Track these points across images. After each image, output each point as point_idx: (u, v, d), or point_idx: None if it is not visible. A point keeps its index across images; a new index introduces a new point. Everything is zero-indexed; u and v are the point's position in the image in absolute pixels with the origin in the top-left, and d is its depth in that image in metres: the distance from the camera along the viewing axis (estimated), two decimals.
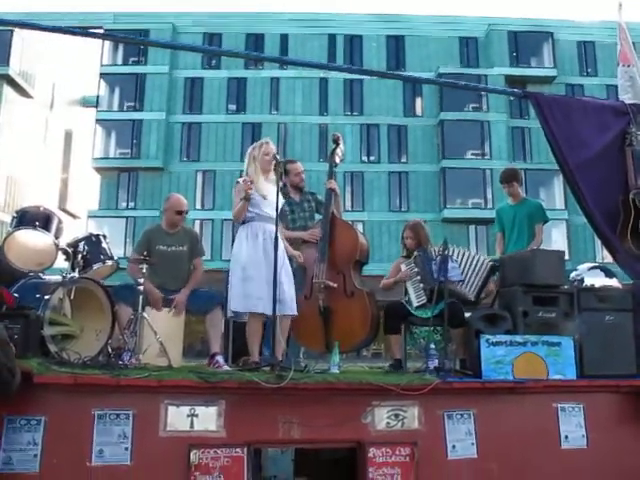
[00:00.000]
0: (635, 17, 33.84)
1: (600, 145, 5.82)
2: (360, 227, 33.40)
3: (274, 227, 4.93)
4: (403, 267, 5.86)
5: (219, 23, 39.78)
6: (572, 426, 4.87)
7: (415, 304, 5.65)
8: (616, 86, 6.42)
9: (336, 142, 6.24)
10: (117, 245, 31.33)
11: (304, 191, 6.48)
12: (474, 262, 5.75)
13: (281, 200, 5.12)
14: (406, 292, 5.86)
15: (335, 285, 5.71)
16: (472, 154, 39.14)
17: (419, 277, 5.69)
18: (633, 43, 6.56)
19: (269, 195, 5.13)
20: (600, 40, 37.64)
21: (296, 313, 5.12)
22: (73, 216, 41.10)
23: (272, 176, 5.23)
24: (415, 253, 5.86)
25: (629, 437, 4.92)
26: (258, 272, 4.98)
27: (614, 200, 5.75)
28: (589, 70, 39.84)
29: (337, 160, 6.22)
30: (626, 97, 6.14)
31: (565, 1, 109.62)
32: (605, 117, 5.98)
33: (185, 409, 4.30)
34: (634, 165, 5.82)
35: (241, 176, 5.34)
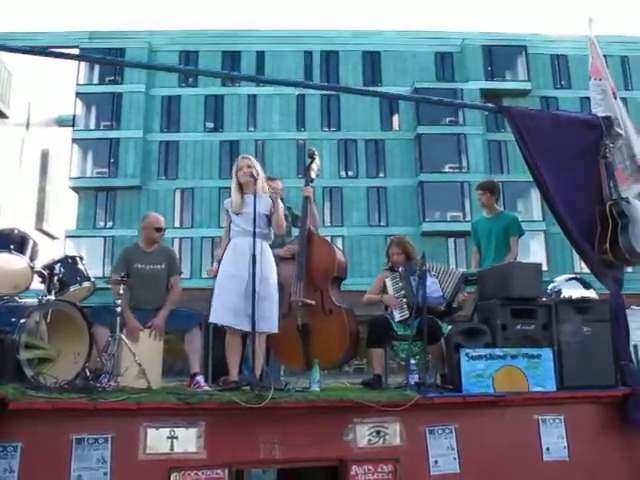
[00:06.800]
0: (605, 30, 34.47)
1: (573, 157, 5.87)
2: (339, 242, 33.47)
3: (248, 238, 4.98)
4: (388, 282, 5.85)
5: (195, 41, 39.80)
6: (553, 438, 4.88)
7: (397, 318, 5.64)
8: (590, 98, 6.49)
9: (311, 157, 6.25)
10: (96, 265, 31.09)
11: None
12: (447, 274, 5.80)
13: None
14: (388, 306, 5.87)
15: (313, 302, 5.69)
16: (449, 167, 39.38)
17: (403, 292, 5.69)
18: (604, 56, 6.65)
19: (245, 208, 5.19)
20: (573, 53, 38.16)
21: (268, 330, 5.07)
22: (51, 236, 40.66)
23: (251, 189, 5.23)
24: (400, 268, 5.87)
25: (610, 448, 4.94)
26: (229, 286, 5.01)
27: (589, 211, 5.79)
28: (563, 83, 40.34)
29: (313, 175, 6.22)
30: (599, 110, 6.21)
31: (537, 15, 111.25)
32: (578, 130, 6.04)
33: (165, 431, 4.26)
34: (608, 176, 5.88)
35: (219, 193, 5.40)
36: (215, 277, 5.27)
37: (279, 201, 5.29)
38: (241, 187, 5.32)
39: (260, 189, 5.22)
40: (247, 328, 4.88)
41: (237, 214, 5.24)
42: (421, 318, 5.12)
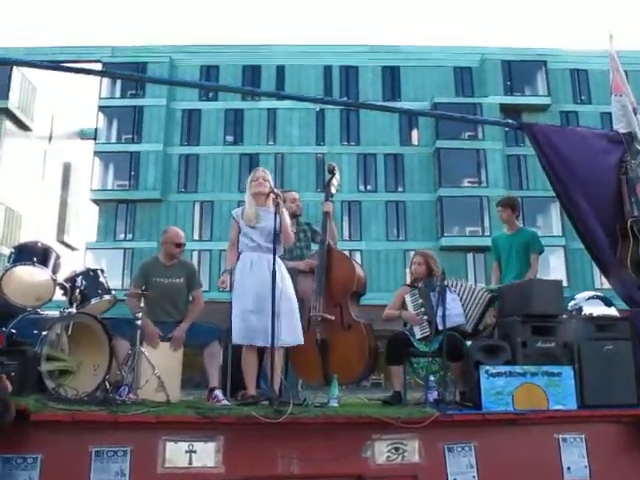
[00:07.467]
0: (626, 45, 34.28)
1: (595, 173, 5.86)
2: (358, 256, 33.37)
3: (264, 254, 4.99)
4: (407, 298, 5.82)
5: (216, 56, 40.12)
6: (574, 457, 4.81)
7: (418, 336, 5.61)
8: (610, 113, 6.48)
9: (332, 172, 6.26)
10: (115, 277, 31.27)
11: (300, 221, 6.47)
12: (473, 294, 5.74)
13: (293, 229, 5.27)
14: (407, 322, 5.85)
15: (332, 318, 5.69)
16: (468, 182, 39.25)
17: (423, 309, 5.67)
18: (625, 71, 6.63)
19: (261, 222, 5.15)
20: (593, 68, 37.97)
21: (292, 342, 5.01)
22: (71, 248, 41.10)
23: (268, 203, 5.20)
24: (420, 284, 5.86)
25: (631, 468, 4.86)
26: (249, 304, 4.95)
27: (611, 227, 5.77)
28: (583, 98, 40.13)
29: (333, 190, 6.24)
30: (620, 126, 6.19)
31: (557, 30, 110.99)
32: (600, 146, 6.03)
33: (183, 445, 4.26)
34: (629, 193, 5.85)
35: (239, 206, 5.43)
36: (225, 289, 5.23)
37: (284, 212, 5.16)
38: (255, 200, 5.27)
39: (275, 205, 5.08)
40: (264, 344, 4.87)
41: (252, 227, 5.17)
42: (444, 335, 5.11)
